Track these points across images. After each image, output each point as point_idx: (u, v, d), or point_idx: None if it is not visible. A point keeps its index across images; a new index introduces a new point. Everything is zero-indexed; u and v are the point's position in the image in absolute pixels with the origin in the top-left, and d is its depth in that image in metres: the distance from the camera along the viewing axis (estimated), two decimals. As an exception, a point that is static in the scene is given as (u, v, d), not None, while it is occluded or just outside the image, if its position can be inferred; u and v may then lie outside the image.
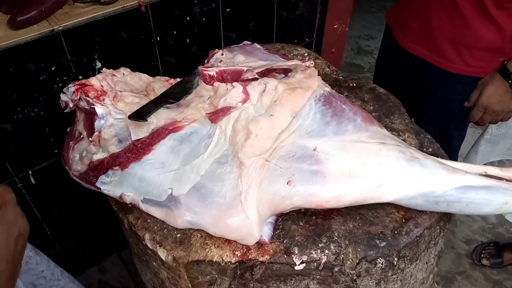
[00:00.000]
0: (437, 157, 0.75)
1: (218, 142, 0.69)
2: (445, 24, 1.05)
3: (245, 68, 0.76)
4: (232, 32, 1.29)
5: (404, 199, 0.66)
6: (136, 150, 0.69)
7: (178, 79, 0.87)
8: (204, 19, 1.19)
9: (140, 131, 0.69)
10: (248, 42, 1.05)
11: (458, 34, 1.04)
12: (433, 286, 1.55)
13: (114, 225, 0.96)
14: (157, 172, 0.69)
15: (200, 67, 0.73)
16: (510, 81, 1.00)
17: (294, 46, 1.11)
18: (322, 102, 0.72)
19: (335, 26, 1.55)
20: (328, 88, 0.76)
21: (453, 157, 1.37)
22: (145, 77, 0.84)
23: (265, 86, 0.70)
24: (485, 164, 1.46)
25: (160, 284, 0.78)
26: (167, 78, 0.87)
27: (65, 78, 1.02)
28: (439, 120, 1.26)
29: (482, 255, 1.63)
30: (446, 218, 0.71)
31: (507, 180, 0.72)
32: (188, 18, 1.15)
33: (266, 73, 0.79)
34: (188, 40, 1.19)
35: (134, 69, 0.94)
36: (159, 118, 0.71)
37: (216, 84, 0.71)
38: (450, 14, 1.02)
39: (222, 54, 0.97)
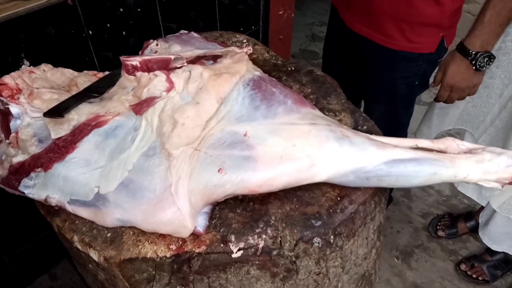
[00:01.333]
0: (371, 134, 0.76)
1: (145, 135, 0.66)
2: (386, 2, 1.06)
3: (172, 57, 0.73)
4: (172, 22, 1.26)
5: (336, 177, 0.67)
6: (58, 149, 0.65)
7: (108, 73, 0.83)
8: (139, 9, 1.14)
9: (61, 129, 0.66)
10: (185, 31, 1.02)
11: (399, 11, 1.05)
12: (393, 260, 1.61)
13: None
14: (83, 171, 0.65)
15: (121, 57, 0.69)
16: (469, 58, 1.02)
17: (233, 33, 1.08)
18: (251, 86, 0.71)
19: (281, 13, 1.54)
20: (258, 72, 0.75)
21: (402, 133, 1.40)
22: (68, 72, 0.80)
23: (190, 73, 0.68)
24: (435, 136, 1.51)
25: (100, 286, 0.75)
26: (95, 72, 0.83)
27: (-10, 79, 0.96)
28: (385, 99, 1.28)
29: (438, 227, 1.69)
30: (380, 193, 0.72)
31: (437, 151, 0.74)
32: (121, 10, 1.11)
33: (195, 60, 0.76)
34: (124, 32, 1.15)
35: (67, 66, 0.88)
36: (80, 113, 0.67)
37: (139, 74, 0.68)
38: None
39: (157, 45, 0.93)
